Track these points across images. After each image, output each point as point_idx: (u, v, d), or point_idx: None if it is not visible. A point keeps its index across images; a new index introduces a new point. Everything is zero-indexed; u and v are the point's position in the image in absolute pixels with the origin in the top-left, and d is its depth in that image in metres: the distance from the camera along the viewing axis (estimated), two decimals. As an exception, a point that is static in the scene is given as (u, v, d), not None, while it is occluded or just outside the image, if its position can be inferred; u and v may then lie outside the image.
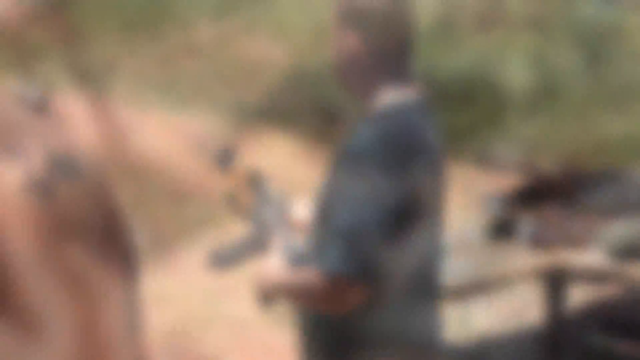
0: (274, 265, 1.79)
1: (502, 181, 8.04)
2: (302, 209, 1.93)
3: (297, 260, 1.76)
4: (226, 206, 2.00)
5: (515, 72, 10.77)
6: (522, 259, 3.63)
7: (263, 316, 4.60)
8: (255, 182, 1.95)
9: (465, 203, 7.40)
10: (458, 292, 3.50)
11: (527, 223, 3.86)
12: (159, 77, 12.23)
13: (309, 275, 1.68)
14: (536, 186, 4.27)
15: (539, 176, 4.39)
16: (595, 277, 3.58)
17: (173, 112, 10.93)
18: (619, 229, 3.64)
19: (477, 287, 3.54)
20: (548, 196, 4.09)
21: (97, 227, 0.81)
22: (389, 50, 1.78)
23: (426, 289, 1.78)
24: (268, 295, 1.85)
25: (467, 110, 10.10)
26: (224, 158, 1.98)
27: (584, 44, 11.47)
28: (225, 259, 1.95)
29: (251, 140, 10.04)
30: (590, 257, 3.58)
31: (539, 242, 3.70)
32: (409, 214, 1.64)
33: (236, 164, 1.96)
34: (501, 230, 3.89)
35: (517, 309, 5.03)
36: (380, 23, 1.75)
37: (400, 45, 1.79)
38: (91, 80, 12.18)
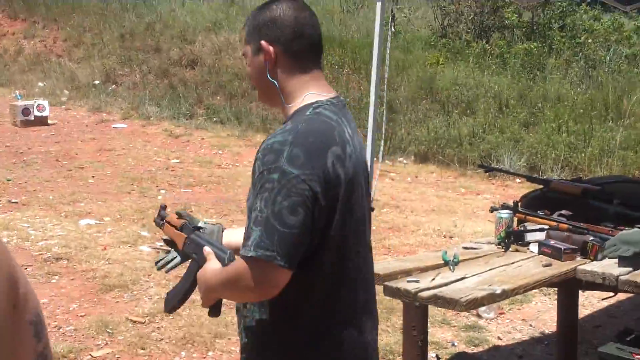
0: (209, 270, 1.91)
1: (511, 190, 8.03)
2: (233, 235, 2.08)
3: (228, 260, 1.89)
4: (170, 250, 2.18)
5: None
6: (533, 268, 3.61)
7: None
8: (187, 222, 2.14)
9: (475, 213, 7.39)
10: (470, 303, 3.48)
11: (537, 232, 3.85)
12: (158, 88, 12.22)
13: (235, 266, 1.81)
14: (546, 195, 4.26)
15: (548, 185, 4.37)
16: (606, 285, 3.56)
17: (173, 121, 10.92)
18: (629, 237, 3.62)
19: (489, 297, 3.52)
20: (558, 205, 4.08)
21: None
22: (300, 55, 1.87)
23: (349, 274, 1.85)
24: (213, 302, 1.94)
25: (469, 119, 10.10)
26: (159, 218, 2.23)
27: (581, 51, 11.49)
28: (172, 301, 2.06)
29: (249, 148, 10.05)
30: (601, 265, 3.57)
31: (550, 251, 3.68)
32: (322, 201, 1.73)
33: (169, 218, 2.18)
34: (512, 239, 3.87)
35: (530, 318, 5.02)
36: (289, 29, 1.86)
37: (311, 49, 1.89)
38: (91, 91, 12.15)
